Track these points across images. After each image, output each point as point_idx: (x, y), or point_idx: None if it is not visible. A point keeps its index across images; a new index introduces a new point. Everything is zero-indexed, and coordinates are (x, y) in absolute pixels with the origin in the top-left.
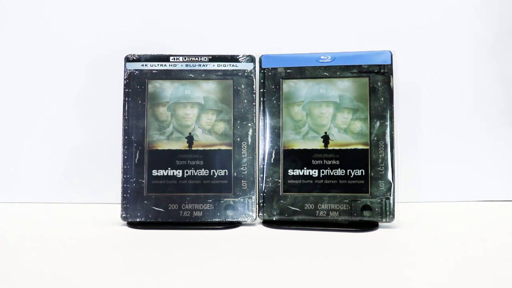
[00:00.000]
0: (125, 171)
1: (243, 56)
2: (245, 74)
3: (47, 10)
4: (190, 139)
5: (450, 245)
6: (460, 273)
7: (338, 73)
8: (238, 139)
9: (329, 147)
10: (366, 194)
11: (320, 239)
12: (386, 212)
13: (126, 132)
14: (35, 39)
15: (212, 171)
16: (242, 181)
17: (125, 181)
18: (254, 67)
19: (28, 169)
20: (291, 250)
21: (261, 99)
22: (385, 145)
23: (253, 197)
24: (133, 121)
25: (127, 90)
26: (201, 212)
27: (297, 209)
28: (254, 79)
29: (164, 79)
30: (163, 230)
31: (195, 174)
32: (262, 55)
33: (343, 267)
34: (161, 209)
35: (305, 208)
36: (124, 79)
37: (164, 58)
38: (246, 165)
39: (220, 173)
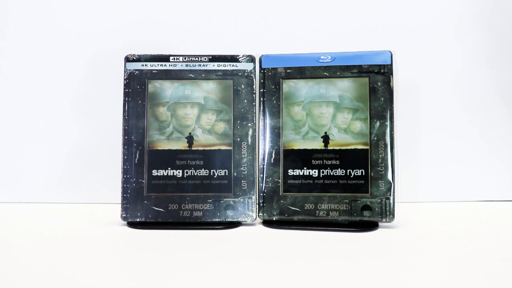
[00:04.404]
0: (125, 171)
1: (243, 56)
2: (245, 74)
3: (47, 10)
4: (190, 139)
5: (450, 245)
6: (460, 273)
7: (338, 73)
8: (238, 139)
9: (329, 147)
10: (366, 194)
11: (320, 239)
12: (386, 212)
13: (126, 132)
14: (36, 39)
15: (212, 171)
16: (242, 181)
17: (125, 181)
18: (254, 67)
19: (28, 169)
20: (291, 250)
21: (261, 99)
22: (385, 145)
23: (253, 197)
24: (133, 121)
25: (127, 90)
26: (201, 212)
27: (297, 209)
28: (254, 79)
29: (164, 79)
30: (163, 230)
31: (195, 174)
32: (262, 55)
33: (343, 267)
34: (161, 209)
35: (305, 208)
36: (124, 79)
37: (164, 58)
38: (246, 165)
39: (220, 173)
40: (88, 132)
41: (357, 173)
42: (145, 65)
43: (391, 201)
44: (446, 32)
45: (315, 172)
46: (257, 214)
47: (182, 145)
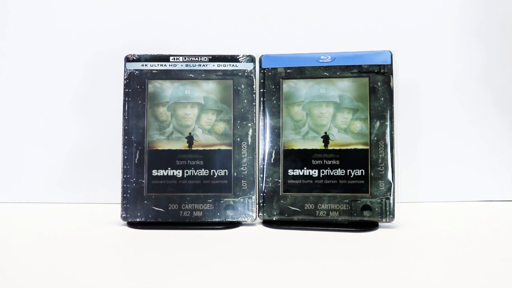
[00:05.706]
0: (125, 171)
1: (243, 56)
2: (245, 74)
3: (47, 10)
4: (190, 139)
5: (450, 245)
6: (460, 273)
7: (338, 73)
8: (238, 139)
9: (329, 147)
10: (366, 194)
11: (320, 239)
12: (386, 212)
13: (126, 132)
14: (36, 39)
15: (212, 171)
16: (242, 181)
17: (125, 181)
18: (254, 67)
19: (28, 169)
20: (291, 250)
21: (261, 99)
22: (385, 145)
23: (253, 197)
24: (133, 121)
25: (127, 90)
26: (201, 212)
27: (297, 209)
28: (254, 79)
29: (164, 79)
30: (163, 230)
31: (195, 174)
32: (262, 55)
33: (343, 267)
34: (161, 209)
35: (305, 208)
36: (124, 79)
37: (164, 58)
38: (246, 165)
39: (220, 173)
40: (88, 132)
41: (357, 173)
42: (145, 65)
43: (391, 201)
44: (446, 32)
45: (315, 172)
46: (257, 214)
47: (182, 145)
